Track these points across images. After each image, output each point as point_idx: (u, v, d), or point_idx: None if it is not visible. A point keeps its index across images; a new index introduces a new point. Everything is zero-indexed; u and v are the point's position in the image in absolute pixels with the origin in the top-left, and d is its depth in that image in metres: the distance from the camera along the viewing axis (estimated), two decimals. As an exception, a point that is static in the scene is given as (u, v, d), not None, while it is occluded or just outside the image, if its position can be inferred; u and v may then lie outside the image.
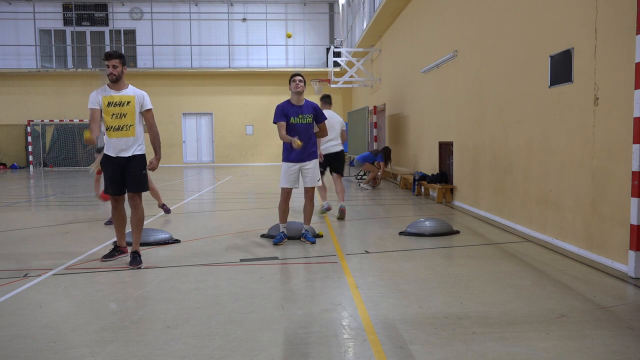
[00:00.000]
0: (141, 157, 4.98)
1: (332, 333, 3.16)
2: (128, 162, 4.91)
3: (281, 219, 5.96)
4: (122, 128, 4.84)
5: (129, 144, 4.88)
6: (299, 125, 5.78)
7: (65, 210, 9.40)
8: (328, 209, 8.01)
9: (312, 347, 2.96)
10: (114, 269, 4.81)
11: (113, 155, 4.89)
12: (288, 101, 5.86)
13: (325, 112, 7.46)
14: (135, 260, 4.90)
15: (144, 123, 5.04)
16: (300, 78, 5.79)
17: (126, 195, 5.08)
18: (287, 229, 6.03)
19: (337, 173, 8.10)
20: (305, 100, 5.89)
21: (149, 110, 4.98)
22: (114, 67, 4.79)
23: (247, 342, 3.03)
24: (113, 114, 4.81)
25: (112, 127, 4.83)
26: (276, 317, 3.44)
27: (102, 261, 5.07)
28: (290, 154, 5.84)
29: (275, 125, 5.90)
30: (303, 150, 5.81)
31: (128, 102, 4.86)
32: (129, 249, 5.18)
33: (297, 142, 5.48)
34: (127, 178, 4.93)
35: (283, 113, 5.78)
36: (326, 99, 8.44)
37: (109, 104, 4.82)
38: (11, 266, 4.95)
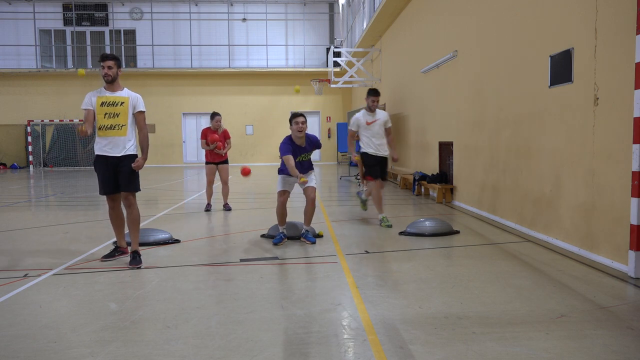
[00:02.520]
0: (133, 157, 5.00)
1: (332, 333, 3.16)
2: (120, 162, 4.94)
3: (280, 222, 5.94)
4: (114, 127, 4.89)
5: (119, 143, 4.91)
6: (301, 163, 5.94)
7: (65, 210, 9.40)
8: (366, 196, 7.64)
9: (312, 347, 2.96)
10: (114, 269, 4.81)
11: (104, 154, 4.92)
12: (291, 140, 5.87)
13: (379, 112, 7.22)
14: (135, 260, 4.91)
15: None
16: (303, 120, 5.82)
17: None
18: (288, 229, 6.03)
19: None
20: (307, 135, 5.94)
21: (141, 112, 5.02)
22: (109, 68, 4.87)
23: (247, 342, 3.03)
24: (106, 114, 4.88)
25: (104, 126, 4.89)
26: (276, 317, 3.44)
27: (102, 261, 5.08)
28: (287, 171, 5.87)
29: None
30: (301, 171, 5.92)
31: (122, 103, 4.92)
32: (129, 249, 5.19)
33: (302, 179, 5.65)
34: (119, 178, 4.96)
35: (290, 149, 5.78)
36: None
37: (102, 103, 4.89)
38: (11, 266, 4.95)
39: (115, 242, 5.32)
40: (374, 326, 3.25)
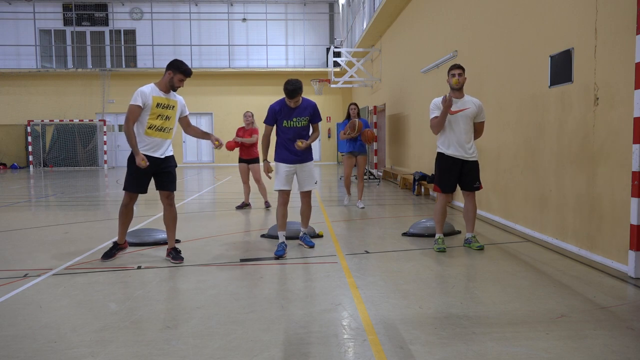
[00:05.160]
0: (173, 158, 5.20)
1: (332, 333, 3.16)
2: (162, 163, 5.03)
3: (281, 226, 5.47)
4: (164, 129, 4.99)
5: (165, 146, 5.04)
6: (292, 129, 5.38)
7: (65, 210, 9.40)
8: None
9: (312, 347, 2.96)
10: (114, 269, 4.81)
11: (146, 153, 4.92)
12: (284, 101, 5.35)
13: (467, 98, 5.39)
14: (178, 256, 5.07)
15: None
16: (297, 99, 5.23)
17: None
18: (288, 230, 5.96)
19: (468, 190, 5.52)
20: (303, 99, 5.41)
21: (186, 116, 5.25)
22: (181, 80, 4.99)
23: (247, 342, 3.03)
24: (159, 115, 4.93)
25: (155, 126, 4.92)
26: (276, 317, 3.44)
27: (102, 261, 5.07)
28: (283, 155, 5.48)
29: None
30: (299, 155, 5.46)
31: (173, 107, 5.03)
32: (128, 246, 5.31)
33: (268, 170, 5.58)
34: (163, 178, 5.08)
35: (274, 117, 5.38)
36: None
37: (158, 104, 4.91)
38: (11, 266, 4.95)
39: (115, 241, 5.30)
40: (374, 326, 3.25)
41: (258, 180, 8.98)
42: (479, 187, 5.49)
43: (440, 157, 5.44)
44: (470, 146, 5.35)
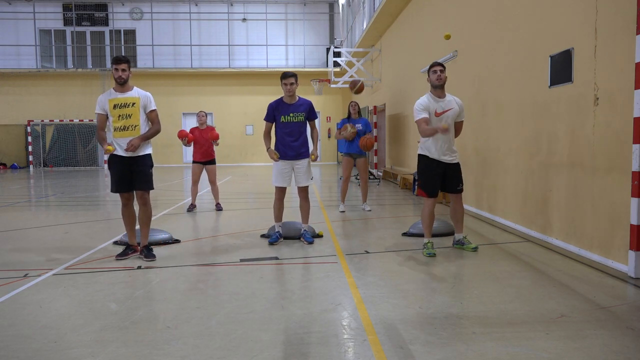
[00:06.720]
0: (148, 156, 5.13)
1: (332, 333, 3.16)
2: (135, 162, 5.03)
3: (277, 217, 5.95)
4: (127, 128, 4.98)
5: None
6: (289, 124, 5.77)
7: (65, 210, 9.40)
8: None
9: (312, 347, 2.96)
10: (114, 269, 4.82)
11: (119, 154, 5.00)
12: (281, 99, 5.82)
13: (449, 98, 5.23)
14: (150, 254, 5.06)
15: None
16: (292, 80, 5.63)
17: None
18: (288, 229, 6.04)
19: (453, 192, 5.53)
20: (299, 98, 5.85)
21: (153, 111, 5.12)
22: (123, 70, 4.97)
23: (247, 342, 3.03)
24: (119, 115, 4.97)
25: (118, 127, 4.98)
26: (276, 317, 3.44)
27: (117, 260, 5.10)
28: (280, 151, 5.87)
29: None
30: (295, 150, 5.83)
31: (133, 104, 5.00)
32: (139, 247, 5.26)
33: (273, 155, 5.81)
34: (135, 177, 5.06)
35: (272, 113, 5.81)
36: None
37: (114, 106, 4.97)
38: (11, 266, 4.95)
39: (116, 242, 5.33)
40: (374, 326, 3.25)
41: (213, 182, 8.79)
42: (462, 189, 5.55)
43: (424, 159, 5.26)
44: (453, 148, 5.30)
